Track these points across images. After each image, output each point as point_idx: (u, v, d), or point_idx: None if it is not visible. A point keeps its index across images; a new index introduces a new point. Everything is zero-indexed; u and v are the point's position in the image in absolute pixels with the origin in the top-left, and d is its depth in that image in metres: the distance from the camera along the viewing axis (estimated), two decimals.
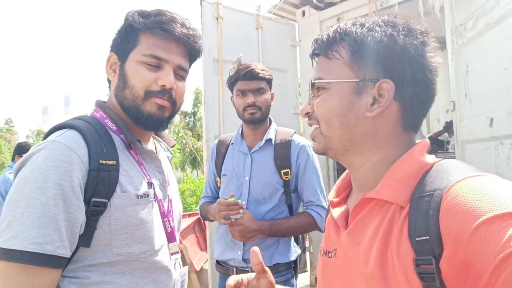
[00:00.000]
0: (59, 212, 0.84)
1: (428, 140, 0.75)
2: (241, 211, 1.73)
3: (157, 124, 1.04)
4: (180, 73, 1.06)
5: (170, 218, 1.10)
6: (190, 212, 6.10)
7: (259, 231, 1.72)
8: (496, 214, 0.54)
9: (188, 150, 13.40)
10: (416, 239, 0.61)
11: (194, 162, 14.09)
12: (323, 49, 0.78)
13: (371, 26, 0.74)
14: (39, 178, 0.84)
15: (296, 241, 2.01)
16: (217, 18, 3.88)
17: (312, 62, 0.82)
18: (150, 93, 1.00)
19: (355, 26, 0.75)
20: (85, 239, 0.89)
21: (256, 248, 0.86)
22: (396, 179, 0.70)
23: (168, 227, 1.08)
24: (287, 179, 1.82)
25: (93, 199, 0.89)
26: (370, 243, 0.69)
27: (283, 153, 1.83)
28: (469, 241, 0.55)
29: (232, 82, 1.95)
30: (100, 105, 1.07)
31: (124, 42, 1.03)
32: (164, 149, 1.23)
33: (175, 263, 1.10)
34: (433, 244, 0.59)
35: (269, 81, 1.94)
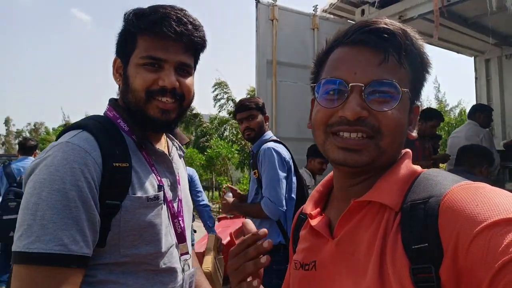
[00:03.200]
0: (80, 213, 0.84)
1: (410, 151, 0.76)
2: (229, 194, 2.71)
3: (162, 127, 1.03)
4: (184, 69, 1.02)
5: (180, 219, 1.08)
6: (227, 216, 6.12)
7: (232, 207, 2.58)
8: (497, 219, 0.53)
9: (247, 151, 13.53)
10: (413, 247, 0.59)
11: None
12: (401, 48, 0.68)
13: (420, 42, 0.71)
14: (57, 181, 0.83)
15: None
16: (272, 20, 3.87)
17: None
18: (150, 94, 0.98)
19: (415, 39, 0.70)
20: (100, 239, 0.89)
21: (248, 219, 0.79)
22: (391, 182, 0.68)
23: (178, 228, 1.07)
24: (257, 177, 2.50)
25: (107, 201, 0.89)
26: (367, 254, 0.65)
27: (256, 159, 2.50)
28: (470, 247, 0.53)
29: (234, 115, 2.77)
30: (113, 104, 1.07)
31: (124, 46, 1.02)
32: (177, 147, 1.22)
33: (184, 264, 1.08)
34: (432, 251, 0.57)
35: (258, 108, 2.57)
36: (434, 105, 17.52)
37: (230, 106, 15.96)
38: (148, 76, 0.97)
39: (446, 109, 17.94)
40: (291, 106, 3.95)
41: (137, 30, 0.98)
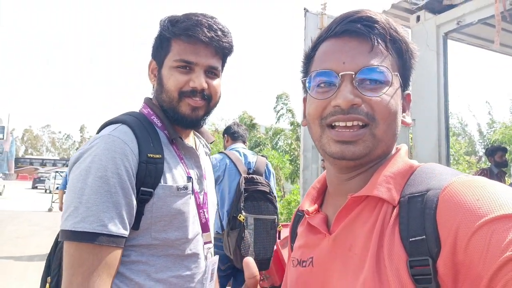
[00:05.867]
0: (120, 198, 0.94)
1: (406, 145, 0.76)
2: None
3: (192, 123, 1.13)
4: (212, 71, 1.12)
5: (205, 210, 1.17)
6: (289, 223, 6.08)
7: None
8: (498, 215, 0.52)
9: (299, 163, 13.41)
10: (410, 239, 0.58)
11: None
12: (386, 34, 0.68)
13: (404, 32, 0.72)
14: (100, 168, 0.94)
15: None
16: (321, 29, 3.86)
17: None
18: (183, 94, 1.08)
19: (396, 24, 0.71)
20: (135, 222, 1.00)
21: (249, 259, 0.68)
22: (387, 177, 0.67)
23: (203, 218, 1.15)
24: None
25: (142, 188, 0.99)
26: (364, 248, 0.64)
27: None
28: (470, 241, 0.52)
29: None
30: (148, 102, 1.17)
31: (159, 50, 1.13)
32: (203, 145, 1.31)
33: (207, 252, 1.16)
34: (430, 244, 0.56)
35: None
36: (510, 117, 16.13)
37: (288, 117, 16.05)
38: (181, 78, 1.08)
39: None
40: None
41: (172, 35, 1.09)
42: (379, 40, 0.68)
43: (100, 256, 0.91)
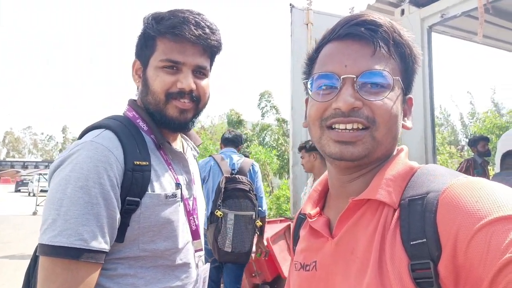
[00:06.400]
0: (101, 210, 0.88)
1: (406, 147, 0.76)
2: None
3: (180, 127, 1.07)
4: (200, 71, 1.06)
5: (195, 216, 1.12)
6: (281, 218, 6.11)
7: None
8: (497, 216, 0.52)
9: (287, 158, 13.53)
10: (411, 243, 0.58)
11: None
12: (389, 38, 0.68)
13: (409, 36, 0.71)
14: (81, 178, 0.87)
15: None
16: (307, 24, 3.86)
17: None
18: (170, 95, 1.02)
19: (400, 29, 0.71)
20: (119, 234, 0.94)
21: None
22: (388, 180, 0.67)
23: (193, 225, 1.10)
24: None
25: (128, 197, 0.93)
26: (367, 251, 0.64)
27: None
28: (470, 244, 0.52)
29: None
30: (133, 104, 1.10)
31: (143, 49, 1.06)
32: (191, 148, 1.25)
33: (198, 261, 1.11)
34: (431, 247, 0.56)
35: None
36: (490, 107, 16.49)
37: (273, 113, 16.21)
38: (167, 79, 1.01)
39: (502, 111, 16.86)
40: None
41: (157, 33, 1.02)
42: (382, 44, 0.67)
43: (75, 273, 0.85)
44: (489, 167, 5.88)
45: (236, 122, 16.40)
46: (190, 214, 1.10)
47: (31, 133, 69.04)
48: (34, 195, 21.33)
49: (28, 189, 27.62)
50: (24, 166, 40.95)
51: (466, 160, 5.72)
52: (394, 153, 0.73)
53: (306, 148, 3.37)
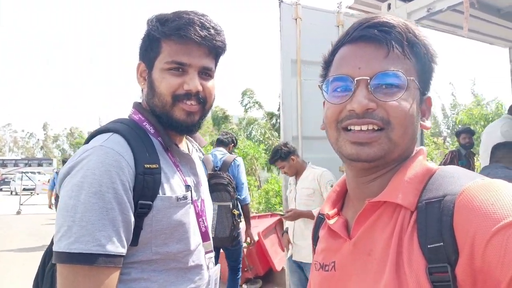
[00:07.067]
0: (116, 215, 0.88)
1: (425, 148, 0.76)
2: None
3: (187, 129, 1.07)
4: (206, 72, 1.06)
5: (204, 218, 1.12)
6: (272, 213, 6.15)
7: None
8: None
9: None
10: (428, 246, 0.59)
11: None
12: (402, 39, 0.68)
13: (425, 37, 0.71)
14: (94, 183, 0.87)
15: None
16: (296, 19, 3.86)
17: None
18: (177, 98, 1.02)
19: (416, 29, 0.71)
20: (133, 238, 0.94)
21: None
22: (405, 182, 0.67)
23: (203, 226, 1.11)
24: None
25: (140, 201, 0.93)
26: (384, 253, 0.65)
27: None
28: (487, 247, 0.53)
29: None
30: (138, 107, 1.10)
31: (148, 51, 1.05)
32: (196, 149, 1.25)
33: (209, 262, 1.12)
34: (448, 251, 0.57)
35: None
36: (470, 99, 16.87)
37: (256, 109, 16.32)
38: (174, 81, 1.01)
39: (482, 103, 17.25)
40: (316, 105, 3.88)
41: (162, 35, 1.01)
42: (395, 45, 0.67)
43: (97, 278, 0.86)
44: (475, 158, 6.01)
45: (222, 118, 16.36)
46: (199, 216, 1.10)
47: (11, 130, 67.41)
48: (17, 194, 20.89)
49: (10, 188, 27.00)
50: (3, 164, 39.85)
51: (451, 151, 5.83)
52: (413, 154, 0.73)
53: (281, 157, 3.27)
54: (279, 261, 4.97)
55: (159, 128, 1.05)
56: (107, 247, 0.86)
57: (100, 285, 0.86)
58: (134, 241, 0.94)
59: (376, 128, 0.67)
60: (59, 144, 63.25)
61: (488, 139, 4.13)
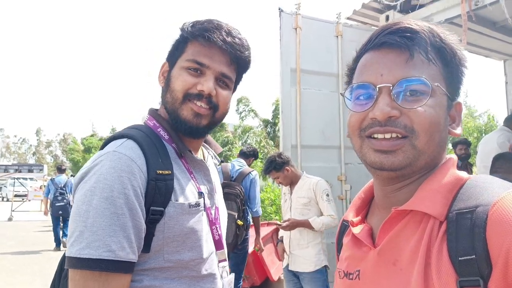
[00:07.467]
0: (127, 220, 0.88)
1: (455, 156, 0.74)
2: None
3: (191, 130, 1.04)
4: (224, 81, 1.05)
5: (217, 226, 1.11)
6: (268, 221, 6.12)
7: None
8: None
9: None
10: (459, 258, 0.56)
11: None
12: (426, 44, 0.66)
13: (452, 39, 0.70)
14: (106, 189, 0.87)
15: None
16: (296, 29, 3.89)
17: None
18: (188, 96, 1.01)
19: (442, 33, 0.69)
20: (145, 245, 0.93)
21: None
22: (433, 190, 0.65)
23: (216, 234, 1.09)
24: None
25: (152, 207, 0.92)
26: (410, 263, 0.63)
27: None
28: None
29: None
30: (153, 113, 1.10)
31: (174, 51, 1.07)
32: (212, 156, 1.24)
33: (222, 271, 1.10)
34: (480, 264, 0.55)
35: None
36: (463, 111, 17.05)
37: (251, 117, 16.38)
38: (189, 79, 1.01)
39: (475, 115, 17.45)
40: (315, 114, 3.95)
41: (189, 35, 1.03)
42: (419, 50, 0.66)
43: (106, 284, 0.86)
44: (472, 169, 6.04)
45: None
46: (212, 223, 1.09)
47: (3, 135, 66.78)
48: (8, 200, 20.62)
49: (1, 194, 26.67)
50: None
51: None
52: (442, 162, 0.71)
53: (276, 168, 3.26)
54: (276, 270, 4.93)
55: (173, 134, 1.05)
56: (117, 253, 0.86)
57: None
58: (146, 248, 0.93)
59: (400, 136, 0.66)
60: (52, 150, 62.77)
61: (484, 150, 4.17)
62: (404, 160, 0.66)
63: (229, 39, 1.01)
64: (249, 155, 4.50)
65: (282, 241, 3.42)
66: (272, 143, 16.01)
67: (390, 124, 0.66)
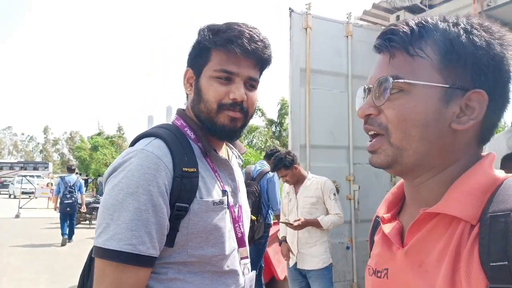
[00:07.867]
0: (150, 216, 0.93)
1: (495, 153, 0.68)
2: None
3: (229, 134, 1.10)
4: (251, 84, 1.10)
5: (240, 224, 1.14)
6: (274, 221, 6.11)
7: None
8: None
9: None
10: (491, 264, 0.54)
11: None
12: (404, 42, 0.66)
13: (467, 27, 0.65)
14: (131, 185, 0.93)
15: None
16: (306, 29, 3.89)
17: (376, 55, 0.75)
18: (222, 106, 1.06)
19: (445, 23, 0.66)
20: (169, 240, 0.97)
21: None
22: (464, 192, 0.62)
23: (239, 232, 1.13)
24: None
25: (177, 203, 0.97)
26: (436, 266, 0.61)
27: None
28: None
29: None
30: (181, 113, 1.15)
31: (197, 58, 1.10)
32: (236, 156, 1.29)
33: (244, 268, 1.13)
34: None
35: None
36: None
37: (259, 116, 16.34)
38: (221, 89, 1.05)
39: None
40: (324, 114, 3.95)
41: (212, 45, 1.06)
42: (400, 47, 0.66)
43: (122, 275, 0.91)
44: None
45: None
46: (235, 221, 1.12)
47: (11, 133, 67.37)
48: (15, 197, 20.80)
49: (8, 191, 26.89)
50: None
51: None
52: (480, 159, 0.67)
53: (285, 165, 3.25)
54: (282, 269, 4.93)
55: (199, 134, 1.09)
56: (137, 247, 0.90)
57: (126, 282, 0.91)
58: (170, 243, 0.97)
59: (380, 134, 0.68)
60: (59, 148, 63.23)
61: (492, 151, 4.13)
62: (385, 159, 0.67)
63: (252, 46, 1.05)
64: (269, 155, 4.63)
65: (285, 240, 3.42)
66: (278, 142, 16.00)
67: (369, 122, 0.69)
